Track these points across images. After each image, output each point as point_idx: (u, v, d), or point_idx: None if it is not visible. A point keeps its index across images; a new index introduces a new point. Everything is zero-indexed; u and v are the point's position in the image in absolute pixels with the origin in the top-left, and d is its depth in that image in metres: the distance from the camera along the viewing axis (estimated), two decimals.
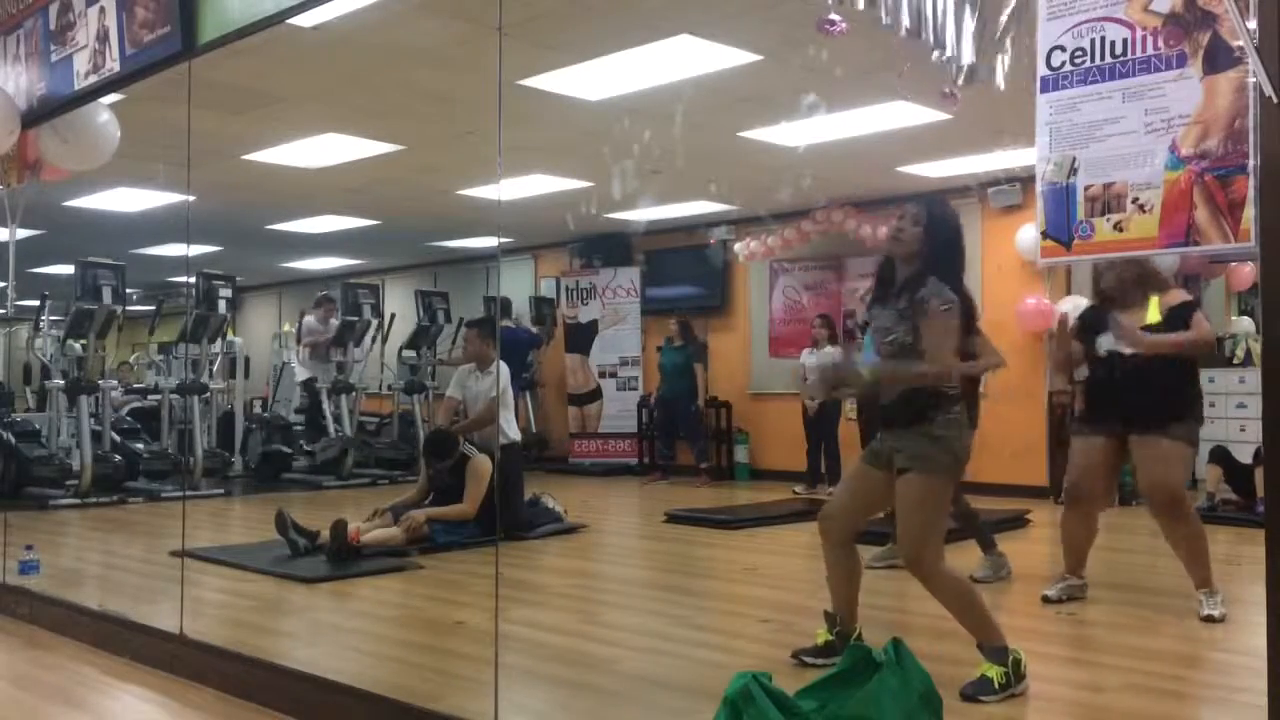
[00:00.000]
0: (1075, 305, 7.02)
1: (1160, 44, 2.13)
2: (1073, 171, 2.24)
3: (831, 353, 8.90)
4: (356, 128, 7.32)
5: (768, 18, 5.15)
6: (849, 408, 8.66)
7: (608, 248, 11.84)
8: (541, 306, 12.47)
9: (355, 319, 10.77)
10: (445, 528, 6.33)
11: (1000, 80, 2.65)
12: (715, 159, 8.10)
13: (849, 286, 10.09)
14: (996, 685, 3.34)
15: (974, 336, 4.51)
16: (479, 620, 4.51)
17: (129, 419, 10.29)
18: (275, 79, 6.16)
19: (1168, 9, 2.12)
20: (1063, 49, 2.27)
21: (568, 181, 8.92)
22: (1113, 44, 2.20)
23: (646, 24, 5.30)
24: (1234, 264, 8.45)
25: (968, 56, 2.68)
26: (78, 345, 9.15)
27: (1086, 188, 2.23)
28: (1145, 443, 4.51)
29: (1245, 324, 8.60)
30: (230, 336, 11.36)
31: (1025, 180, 8.36)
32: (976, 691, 3.33)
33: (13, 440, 9.10)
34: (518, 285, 12.98)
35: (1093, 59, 2.23)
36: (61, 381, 9.16)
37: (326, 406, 10.64)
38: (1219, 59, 2.05)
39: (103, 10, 4.25)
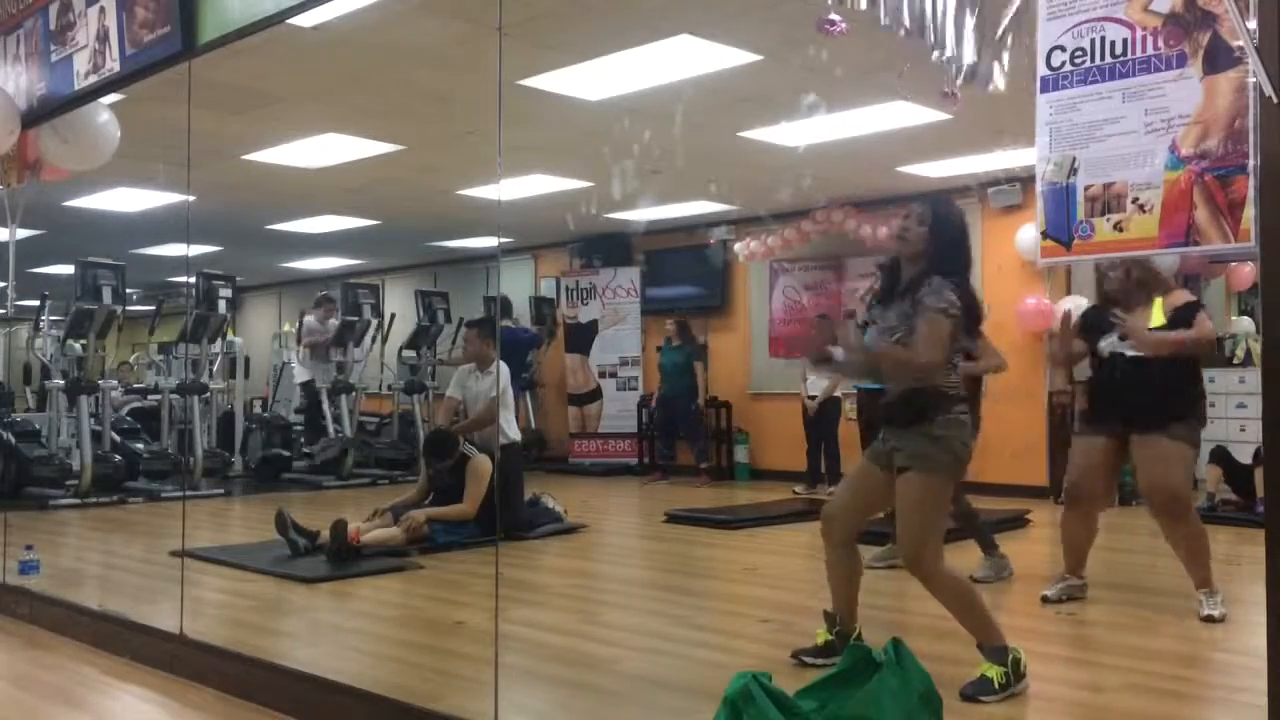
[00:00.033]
0: (1075, 305, 7.02)
1: (1160, 44, 2.13)
2: (1073, 171, 2.24)
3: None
4: (356, 128, 7.32)
5: (768, 18, 5.15)
6: (849, 408, 8.66)
7: (608, 248, 11.84)
8: (541, 306, 12.47)
9: (355, 319, 10.77)
10: (445, 528, 6.33)
11: (1000, 80, 2.65)
12: (715, 159, 8.10)
13: (849, 286, 10.09)
14: (996, 685, 3.35)
15: (976, 338, 4.51)
16: (479, 620, 4.51)
17: (129, 419, 10.30)
18: (275, 79, 6.16)
19: (1168, 9, 2.12)
20: (1063, 49, 2.27)
21: (568, 181, 8.92)
22: (1113, 44, 2.20)
23: (646, 24, 5.30)
24: (1234, 264, 8.45)
25: (968, 56, 2.68)
26: (78, 345, 9.15)
27: (1086, 188, 2.23)
28: (1146, 443, 4.51)
29: (1245, 324, 8.60)
30: (230, 336, 11.36)
31: (1025, 180, 8.36)
32: (976, 691, 3.34)
33: (13, 440, 9.10)
34: (518, 285, 12.98)
35: (1093, 59, 2.23)
36: (61, 381, 9.16)
37: (326, 407, 10.65)
38: (1219, 59, 2.05)
39: (103, 10, 4.25)
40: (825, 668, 3.30)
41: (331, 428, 10.56)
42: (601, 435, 11.68)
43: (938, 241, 3.49)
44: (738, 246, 10.55)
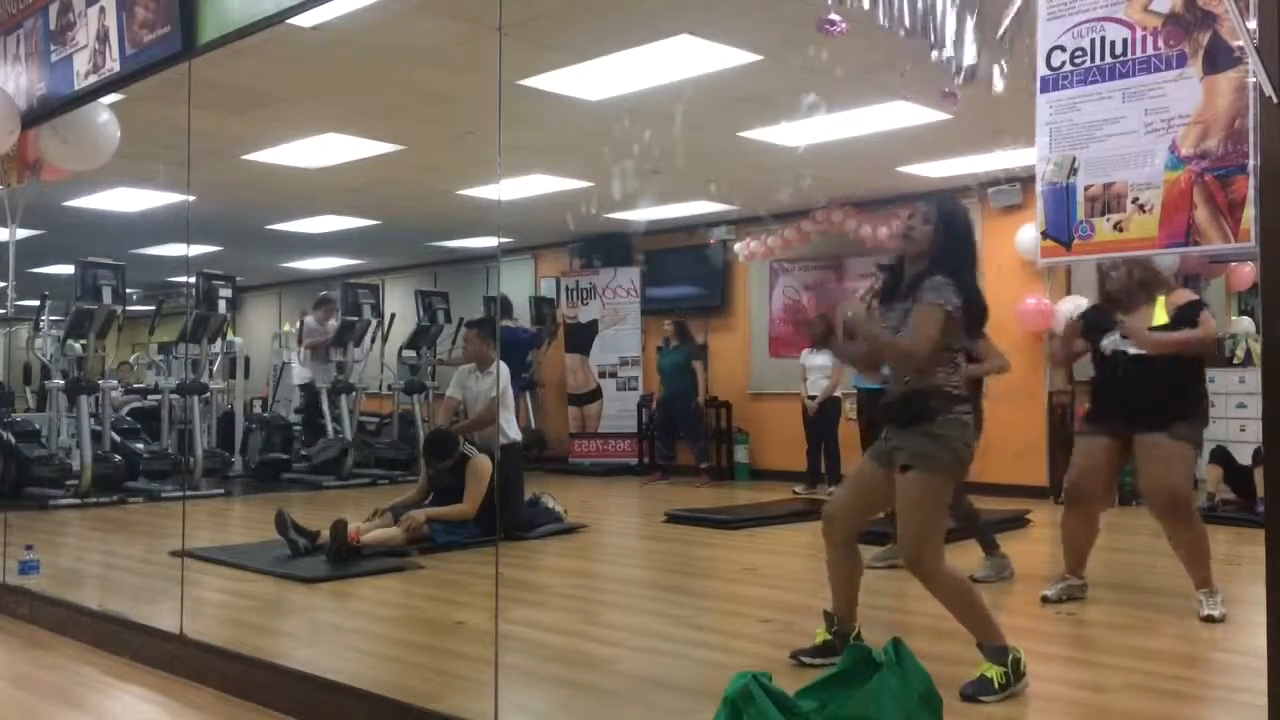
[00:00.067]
0: (1075, 305, 7.02)
1: (1160, 44, 2.13)
2: (1073, 171, 2.24)
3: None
4: (356, 128, 7.32)
5: (768, 18, 5.15)
6: (849, 408, 8.67)
7: (608, 248, 11.84)
8: (541, 306, 12.47)
9: (355, 319, 10.78)
10: (445, 528, 6.33)
11: (1000, 80, 2.65)
12: (715, 159, 8.10)
13: (849, 286, 10.08)
14: (996, 685, 3.35)
15: (978, 338, 4.50)
16: (479, 620, 4.51)
17: (129, 419, 10.30)
18: (275, 79, 6.16)
19: (1168, 9, 2.12)
20: (1063, 49, 2.27)
21: (568, 181, 8.92)
22: (1113, 44, 2.20)
23: (646, 24, 5.30)
24: (1234, 264, 8.45)
25: (968, 57, 2.68)
26: (78, 345, 9.15)
27: (1086, 188, 2.23)
28: (1148, 443, 4.51)
29: (1245, 324, 8.60)
30: (230, 336, 11.36)
31: (1025, 180, 8.36)
32: (976, 691, 3.34)
33: (13, 440, 9.10)
34: (518, 285, 12.98)
35: (1093, 59, 2.23)
36: (61, 381, 9.16)
37: (325, 408, 10.66)
38: (1219, 59, 2.05)
39: (103, 10, 4.25)
40: (824, 667, 3.30)
41: (330, 429, 10.56)
42: (601, 435, 11.68)
43: (942, 241, 3.49)
44: (738, 246, 10.55)
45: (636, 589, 5.76)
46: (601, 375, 11.70)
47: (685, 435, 10.63)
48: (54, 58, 4.58)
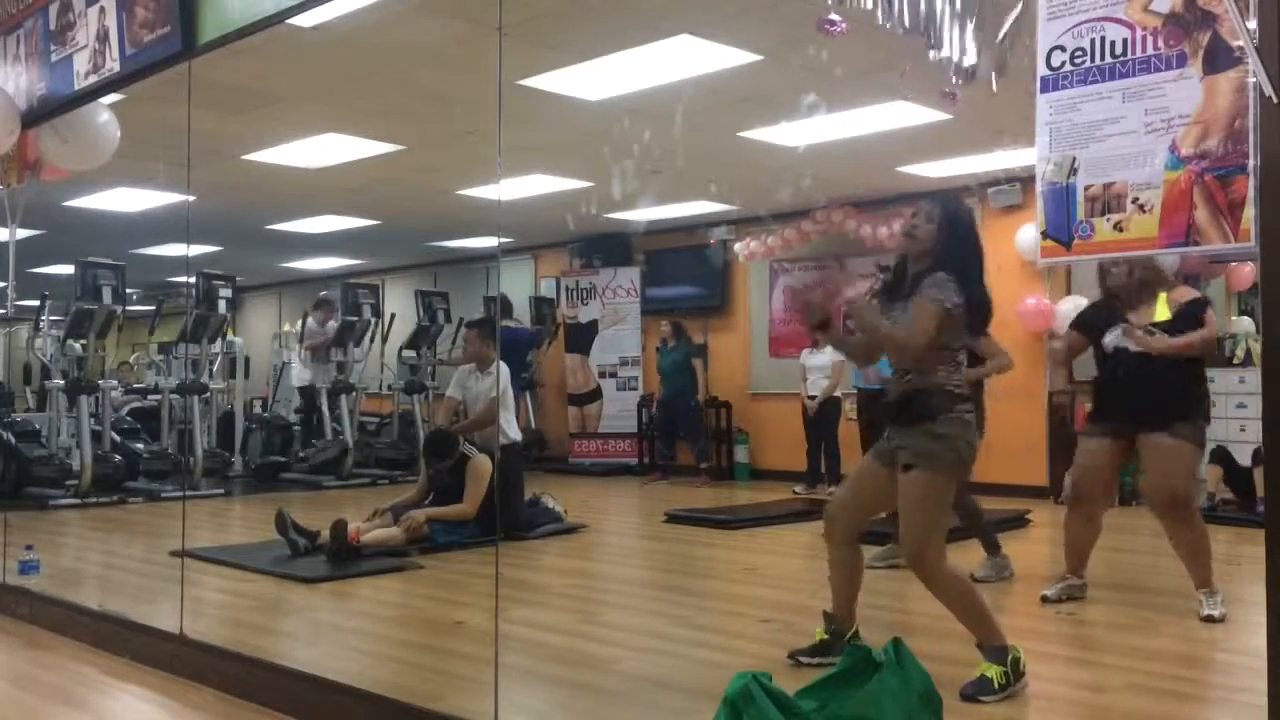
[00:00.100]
0: (1075, 305, 7.02)
1: (1160, 44, 2.13)
2: (1073, 171, 2.24)
3: (832, 352, 8.91)
4: (356, 128, 7.32)
5: (768, 18, 5.15)
6: (849, 408, 8.67)
7: (608, 248, 11.84)
8: (541, 306, 12.47)
9: (355, 319, 10.78)
10: (445, 528, 6.33)
11: (999, 81, 2.65)
12: (715, 159, 8.10)
13: (850, 280, 10.09)
14: (996, 685, 3.34)
15: (981, 336, 4.50)
16: (479, 620, 4.51)
17: (129, 419, 10.30)
18: (275, 79, 6.16)
19: (1168, 9, 2.12)
20: (1063, 49, 2.27)
21: (568, 181, 8.92)
22: (1113, 44, 2.20)
23: (646, 24, 5.30)
24: (1234, 264, 8.45)
25: (968, 57, 2.68)
26: (78, 345, 9.16)
27: (1086, 188, 2.23)
28: (1151, 443, 4.50)
29: (1245, 324, 8.59)
30: (230, 336, 11.36)
31: (1025, 180, 8.36)
32: (976, 691, 3.33)
33: (13, 440, 9.10)
34: (518, 285, 12.98)
35: (1093, 59, 2.23)
36: (61, 381, 9.16)
37: (325, 410, 10.67)
38: (1219, 59, 2.05)
39: (103, 10, 4.25)
40: (821, 667, 3.31)
41: (329, 430, 10.57)
42: (601, 435, 11.68)
43: (945, 239, 3.49)
44: (738, 246, 10.55)
45: (636, 589, 5.76)
46: (601, 375, 11.71)
47: (685, 435, 10.63)
48: (54, 58, 4.58)
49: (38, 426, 9.67)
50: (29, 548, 5.41)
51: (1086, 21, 2.24)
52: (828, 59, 5.26)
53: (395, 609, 5.11)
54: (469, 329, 8.13)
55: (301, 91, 6.47)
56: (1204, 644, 4.18)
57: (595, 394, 11.71)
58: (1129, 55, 2.18)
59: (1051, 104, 2.28)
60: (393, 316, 11.65)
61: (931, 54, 2.73)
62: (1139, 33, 2.17)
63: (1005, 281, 8.68)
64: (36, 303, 9.89)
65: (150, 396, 11.12)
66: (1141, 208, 2.15)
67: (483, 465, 6.53)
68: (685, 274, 11.45)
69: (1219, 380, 7.74)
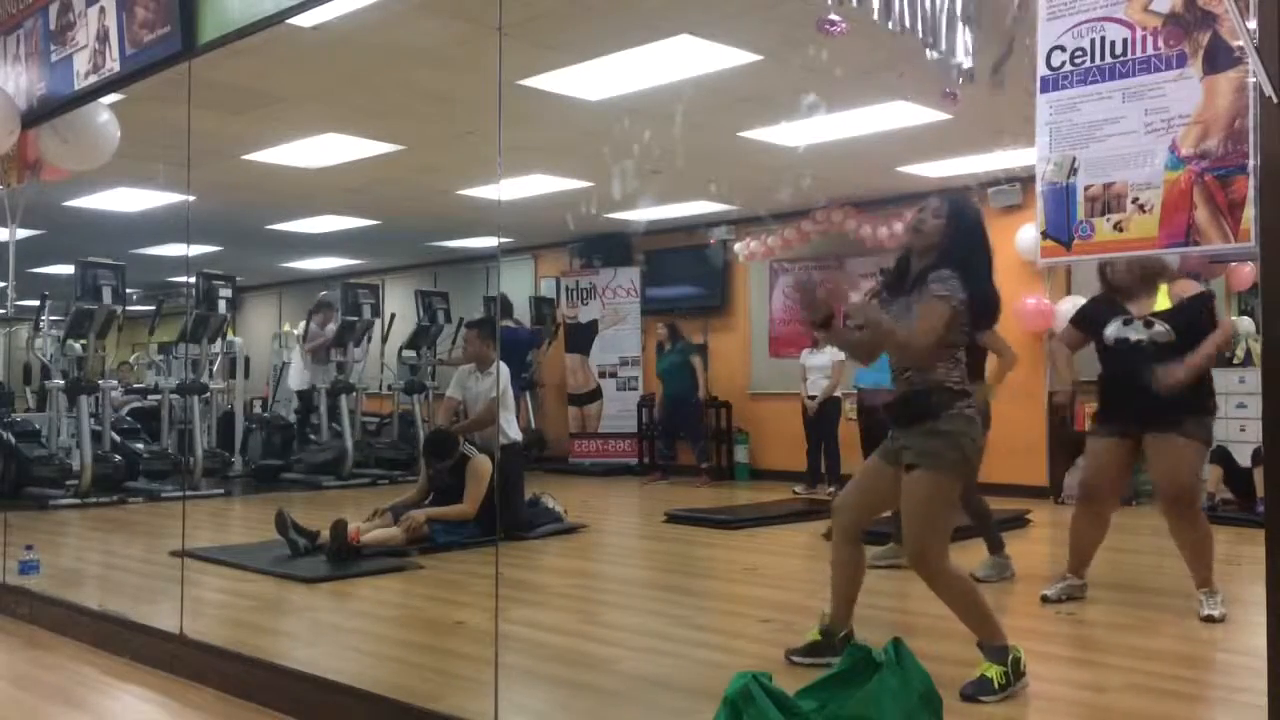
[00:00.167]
0: (1075, 305, 6.99)
1: (1160, 44, 2.13)
2: (1073, 171, 2.24)
3: (832, 352, 8.92)
4: (356, 128, 7.32)
5: (768, 18, 5.15)
6: (849, 408, 8.66)
7: (608, 248, 11.84)
8: (541, 306, 12.47)
9: (355, 319, 10.78)
10: (445, 528, 6.33)
11: (999, 81, 2.66)
12: (715, 159, 8.10)
13: (851, 280, 10.08)
14: (996, 685, 3.34)
15: (985, 331, 4.48)
16: (479, 620, 4.51)
17: (129, 419, 10.30)
18: (275, 79, 6.16)
19: (1168, 9, 2.12)
20: (1063, 49, 2.27)
21: (568, 181, 8.92)
22: (1113, 44, 2.20)
23: (646, 24, 5.30)
24: (1234, 264, 8.45)
25: (968, 57, 2.68)
26: (78, 345, 9.15)
27: (1086, 188, 2.23)
28: (1159, 440, 4.49)
29: (1245, 324, 8.59)
30: (230, 336, 11.37)
31: (1025, 180, 8.36)
32: (976, 691, 3.33)
33: (13, 440, 9.10)
34: (518, 285, 12.98)
35: (1093, 59, 2.23)
36: (61, 381, 9.16)
37: (323, 412, 10.67)
38: (1219, 59, 2.05)
39: (103, 10, 4.25)
40: (817, 667, 3.31)
41: (326, 432, 10.57)
42: (601, 435, 11.68)
43: (952, 235, 3.48)
44: (738, 246, 10.55)
45: (636, 589, 5.76)
46: (601, 375, 11.71)
47: (686, 435, 10.64)
48: (54, 58, 4.58)
49: (38, 426, 9.67)
50: (29, 548, 5.41)
51: (1086, 21, 2.24)
52: (828, 59, 5.26)
53: (395, 609, 5.11)
54: (469, 329, 8.13)
55: (301, 91, 6.47)
56: (1204, 644, 4.18)
57: (595, 394, 11.71)
58: (1129, 55, 2.18)
59: (1051, 104, 2.28)
60: (393, 316, 11.65)
61: (932, 54, 2.73)
62: (1139, 33, 2.17)
63: (1005, 281, 8.59)
64: (36, 303, 9.90)
65: (150, 396, 11.11)
66: (1141, 208, 2.15)
67: (483, 465, 6.53)
68: (685, 274, 11.45)
69: (1219, 380, 7.72)
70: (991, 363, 5.48)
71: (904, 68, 4.74)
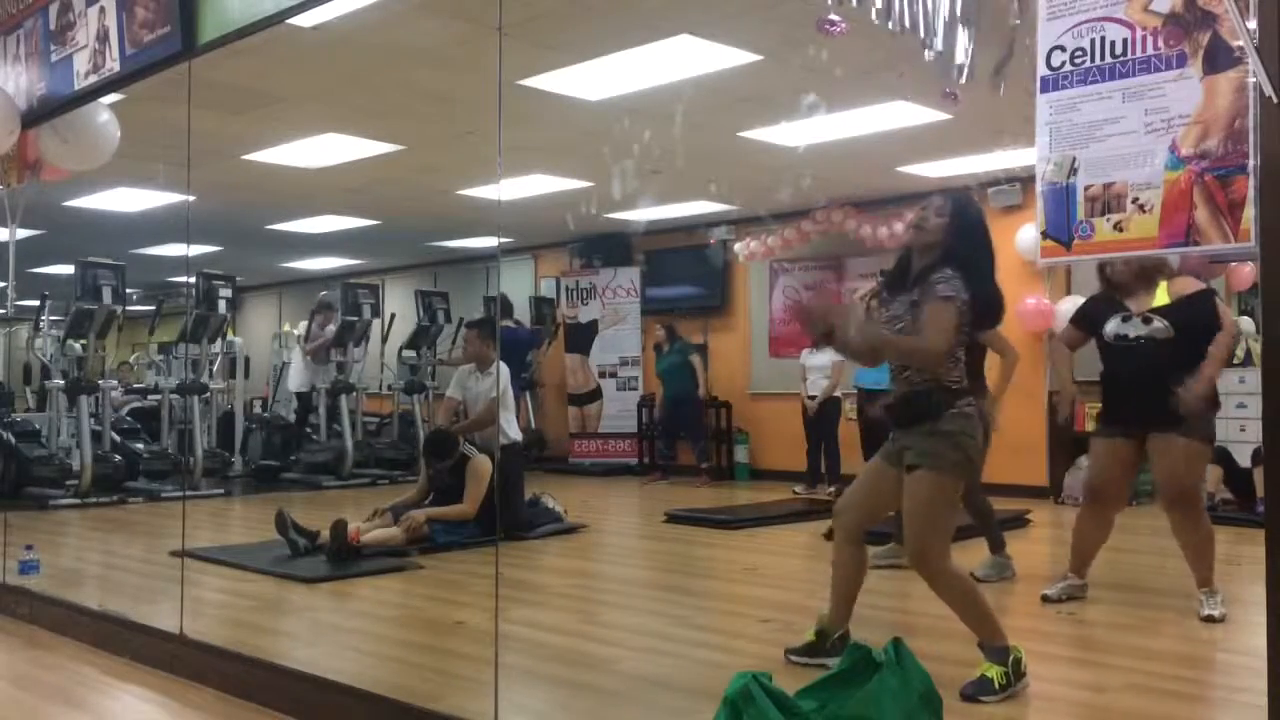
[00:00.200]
0: (1075, 305, 6.99)
1: (1160, 44, 2.13)
2: (1073, 171, 2.24)
3: (832, 353, 8.91)
4: (356, 128, 7.32)
5: (768, 18, 5.15)
6: (849, 408, 8.66)
7: (608, 248, 11.85)
8: (541, 306, 12.47)
9: (355, 319, 10.78)
10: (445, 528, 6.33)
11: (999, 81, 2.65)
12: (715, 159, 8.10)
13: (849, 286, 10.07)
14: (997, 685, 3.34)
15: (988, 329, 4.47)
16: (479, 620, 4.51)
17: (129, 419, 10.30)
18: (275, 79, 6.16)
19: (1168, 9, 2.12)
20: (1063, 49, 2.27)
21: (568, 181, 8.92)
22: (1113, 44, 2.20)
23: (646, 24, 5.30)
24: (1234, 264, 8.44)
25: (968, 57, 2.68)
26: (78, 345, 9.16)
27: (1086, 188, 2.23)
28: (1162, 440, 4.49)
29: (1245, 324, 8.59)
30: (230, 336, 11.37)
31: (1025, 180, 8.36)
32: (976, 691, 3.33)
33: (13, 440, 9.10)
34: (518, 285, 12.98)
35: (1093, 59, 2.23)
36: (61, 381, 9.16)
37: (322, 412, 10.67)
38: (1219, 59, 2.05)
39: (103, 10, 4.25)
40: (815, 667, 3.31)
41: (324, 432, 10.57)
42: (601, 435, 11.68)
43: (954, 234, 3.48)
44: (738, 246, 10.55)
45: (636, 589, 5.76)
46: (601, 375, 11.71)
47: (686, 435, 10.64)
48: (54, 58, 4.58)
49: (38, 426, 9.67)
50: (29, 548, 5.41)
51: (1086, 21, 2.24)
52: (828, 59, 5.26)
53: (395, 609, 5.11)
54: (469, 329, 8.13)
55: (301, 91, 6.47)
56: (1204, 644, 4.18)
57: (595, 394, 11.71)
58: (1129, 55, 2.18)
59: (1051, 104, 2.28)
60: (393, 316, 11.65)
61: (931, 54, 2.73)
62: (1139, 33, 2.17)
63: (1005, 281, 8.62)
64: (36, 303, 9.90)
65: (150, 396, 11.12)
66: (1141, 208, 2.15)
67: (483, 465, 6.53)
68: (685, 274, 11.45)
69: (1219, 380, 7.73)
70: (992, 361, 5.46)
71: (904, 68, 4.73)
